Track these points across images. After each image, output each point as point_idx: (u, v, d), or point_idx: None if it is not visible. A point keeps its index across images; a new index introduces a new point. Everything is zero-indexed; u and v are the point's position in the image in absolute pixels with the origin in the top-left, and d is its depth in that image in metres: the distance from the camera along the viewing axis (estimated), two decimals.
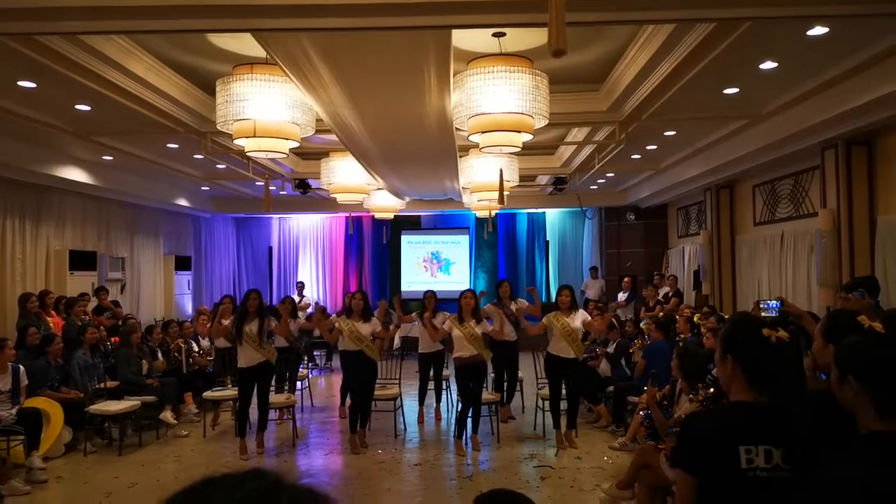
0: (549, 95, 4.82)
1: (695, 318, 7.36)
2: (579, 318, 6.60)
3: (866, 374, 1.64)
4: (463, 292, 6.88)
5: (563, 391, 6.71)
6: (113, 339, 8.30)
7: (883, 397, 1.60)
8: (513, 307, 7.68)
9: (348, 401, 7.27)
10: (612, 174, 10.89)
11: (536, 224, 15.17)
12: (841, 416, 1.74)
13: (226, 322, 6.67)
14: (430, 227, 15.45)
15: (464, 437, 6.56)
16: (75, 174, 8.63)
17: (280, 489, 0.76)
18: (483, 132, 4.84)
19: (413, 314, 7.85)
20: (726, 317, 7.56)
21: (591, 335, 7.73)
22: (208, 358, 8.73)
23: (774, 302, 4.04)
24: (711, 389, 4.50)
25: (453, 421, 7.16)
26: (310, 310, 13.26)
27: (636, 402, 6.40)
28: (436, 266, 15.34)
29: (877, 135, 6.70)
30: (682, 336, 6.99)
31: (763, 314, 4.12)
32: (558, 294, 6.79)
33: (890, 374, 1.62)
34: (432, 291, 7.88)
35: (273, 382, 7.06)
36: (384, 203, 10.66)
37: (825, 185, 7.25)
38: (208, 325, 7.83)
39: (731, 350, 1.98)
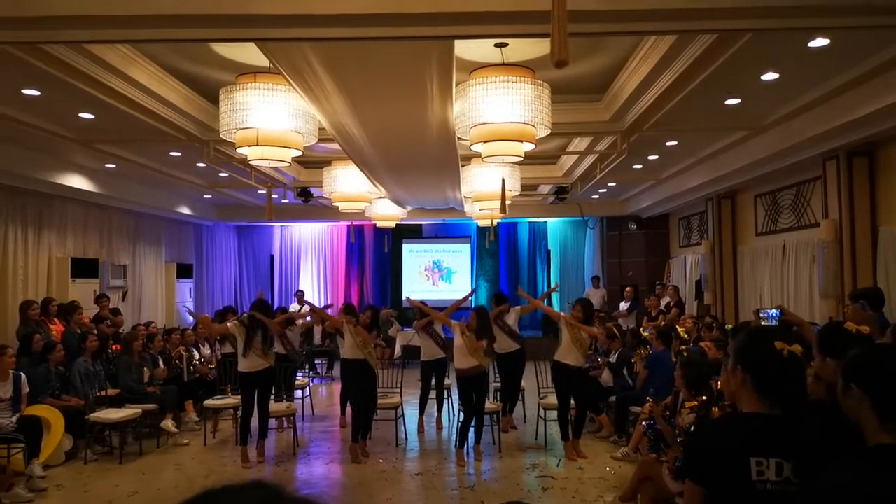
0: (551, 105, 4.84)
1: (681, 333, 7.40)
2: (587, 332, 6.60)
3: (869, 383, 1.64)
4: (476, 309, 6.82)
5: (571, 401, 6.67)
6: (114, 347, 8.29)
7: (885, 407, 1.60)
8: (512, 317, 7.70)
9: (348, 409, 7.27)
10: (613, 184, 10.90)
11: (538, 233, 15.17)
12: (847, 427, 1.73)
13: (228, 324, 6.69)
14: (432, 235, 15.47)
15: (465, 446, 6.54)
16: (78, 182, 8.65)
17: (280, 500, 0.76)
18: (485, 142, 4.85)
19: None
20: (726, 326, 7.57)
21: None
22: (209, 366, 8.72)
23: (774, 311, 4.04)
24: (704, 397, 4.49)
25: (454, 430, 7.13)
26: (309, 318, 13.26)
27: (638, 413, 6.38)
28: (437, 275, 15.34)
29: (878, 145, 6.71)
30: (688, 337, 6.99)
31: (763, 323, 4.12)
32: (572, 309, 6.78)
33: (891, 383, 1.62)
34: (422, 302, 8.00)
35: (273, 391, 7.05)
36: (386, 212, 10.68)
37: (827, 196, 7.26)
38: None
39: (741, 361, 1.96)
